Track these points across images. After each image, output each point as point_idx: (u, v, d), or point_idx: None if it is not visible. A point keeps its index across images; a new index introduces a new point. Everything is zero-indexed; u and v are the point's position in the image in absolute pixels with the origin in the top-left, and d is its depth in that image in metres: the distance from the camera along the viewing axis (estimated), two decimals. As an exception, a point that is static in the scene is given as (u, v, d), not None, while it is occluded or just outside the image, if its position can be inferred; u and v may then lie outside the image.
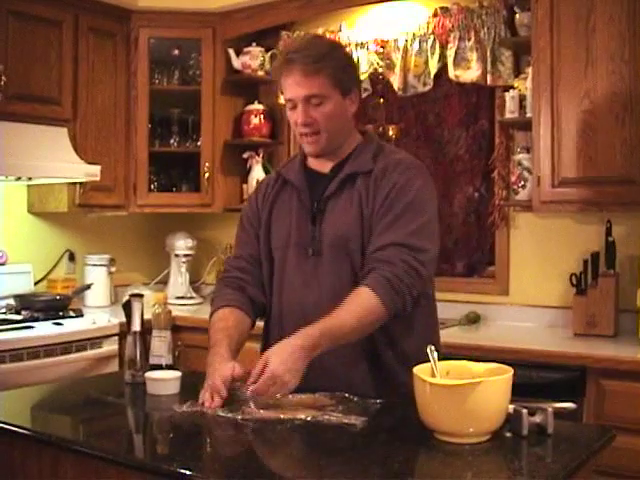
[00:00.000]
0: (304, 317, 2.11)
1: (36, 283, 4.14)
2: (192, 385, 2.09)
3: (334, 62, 2.12)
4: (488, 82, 3.71)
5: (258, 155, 4.47)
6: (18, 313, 3.70)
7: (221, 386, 1.96)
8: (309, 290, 2.17)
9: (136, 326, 2.30)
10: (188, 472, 1.52)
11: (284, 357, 1.91)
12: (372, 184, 2.15)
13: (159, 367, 2.28)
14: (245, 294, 2.26)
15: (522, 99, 3.54)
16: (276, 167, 4.47)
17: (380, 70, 4.04)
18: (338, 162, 2.22)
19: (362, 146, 2.23)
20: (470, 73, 3.74)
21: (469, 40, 3.73)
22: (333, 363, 2.08)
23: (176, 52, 4.51)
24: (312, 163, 2.27)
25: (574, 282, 3.39)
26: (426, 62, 3.87)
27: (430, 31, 3.87)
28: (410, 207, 2.10)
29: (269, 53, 4.43)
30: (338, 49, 2.22)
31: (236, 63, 4.43)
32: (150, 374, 2.16)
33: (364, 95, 4.01)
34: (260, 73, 4.44)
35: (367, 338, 2.08)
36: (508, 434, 1.71)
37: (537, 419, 1.72)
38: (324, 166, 2.24)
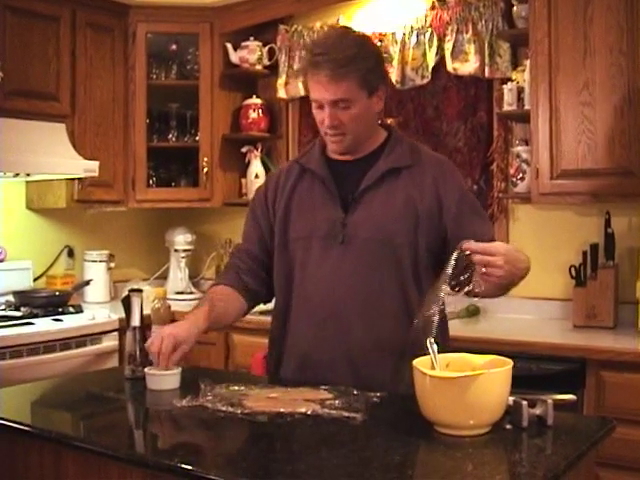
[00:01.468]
0: (334, 306, 2.13)
1: (35, 279, 4.15)
2: (192, 380, 2.09)
3: (361, 64, 2.09)
4: (486, 75, 3.70)
5: (257, 149, 4.47)
6: (17, 309, 3.71)
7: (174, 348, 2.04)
8: (338, 279, 2.15)
9: (136, 321, 2.30)
10: (189, 467, 1.52)
11: (517, 264, 1.93)
12: (428, 182, 2.17)
13: (159, 362, 2.28)
14: (240, 279, 2.30)
15: (520, 91, 3.54)
16: (275, 161, 4.49)
17: (378, 63, 4.03)
18: (367, 154, 2.23)
19: (394, 141, 2.24)
20: (468, 66, 3.74)
21: (467, 33, 3.72)
22: (374, 356, 2.12)
23: (174, 47, 4.51)
24: (333, 153, 2.27)
25: (573, 274, 3.40)
26: (424, 55, 3.87)
27: (428, 24, 3.87)
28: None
29: (267, 47, 4.43)
30: (366, 48, 2.16)
31: (234, 57, 4.42)
32: (150, 369, 2.16)
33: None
34: (258, 67, 4.43)
35: (410, 327, 2.09)
36: (508, 426, 1.71)
37: (537, 411, 1.73)
38: (346, 156, 2.24)
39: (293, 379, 2.18)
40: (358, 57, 2.08)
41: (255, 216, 2.35)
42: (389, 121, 3.97)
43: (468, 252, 1.86)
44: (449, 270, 1.86)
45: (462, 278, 1.87)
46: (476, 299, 2.00)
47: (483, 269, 1.86)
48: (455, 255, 1.86)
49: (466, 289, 1.89)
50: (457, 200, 2.18)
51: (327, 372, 2.14)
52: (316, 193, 2.24)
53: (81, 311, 3.79)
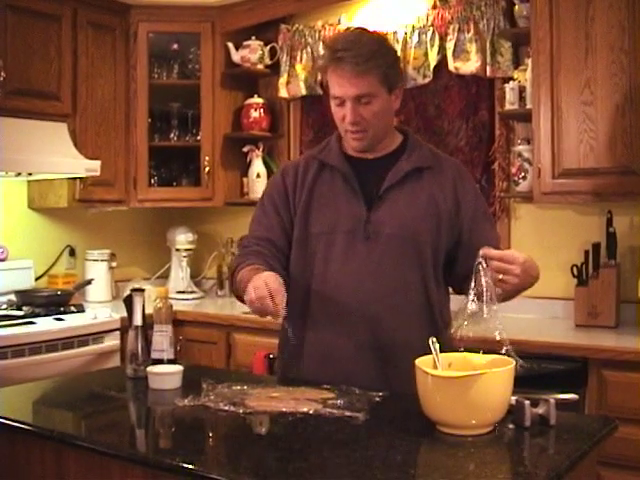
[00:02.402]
0: (361, 301, 2.12)
1: (37, 279, 4.14)
2: (194, 379, 2.09)
3: (383, 60, 2.12)
4: (488, 74, 3.70)
5: (258, 149, 4.47)
6: (19, 309, 3.71)
7: (280, 286, 1.94)
8: (364, 274, 2.15)
9: (137, 321, 2.30)
10: (190, 466, 1.52)
11: (531, 272, 1.99)
12: (449, 184, 2.22)
13: (161, 361, 2.28)
14: (267, 264, 2.18)
15: (522, 90, 3.53)
16: (276, 161, 4.49)
17: (379, 62, 4.03)
18: (386, 153, 2.24)
19: (413, 143, 2.27)
20: (469, 65, 3.73)
21: (468, 32, 3.72)
22: (400, 353, 2.11)
23: (175, 46, 4.51)
24: (351, 150, 2.27)
25: (575, 273, 3.39)
26: (425, 54, 3.87)
27: (429, 23, 3.86)
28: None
29: (268, 46, 4.42)
30: (385, 45, 2.20)
31: (235, 57, 4.42)
32: (152, 368, 2.16)
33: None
34: (259, 66, 4.43)
35: (433, 324, 2.15)
36: (511, 425, 1.71)
37: (539, 410, 1.73)
38: (364, 153, 2.25)
39: (312, 377, 2.15)
40: (379, 54, 2.11)
41: (276, 207, 2.28)
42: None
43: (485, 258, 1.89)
44: (473, 278, 1.90)
45: (480, 287, 1.89)
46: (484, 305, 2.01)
47: (500, 276, 1.91)
48: (481, 263, 1.89)
49: (485, 297, 1.91)
50: (473, 204, 2.24)
51: (351, 368, 2.13)
52: (337, 189, 2.23)
53: (83, 310, 3.79)
